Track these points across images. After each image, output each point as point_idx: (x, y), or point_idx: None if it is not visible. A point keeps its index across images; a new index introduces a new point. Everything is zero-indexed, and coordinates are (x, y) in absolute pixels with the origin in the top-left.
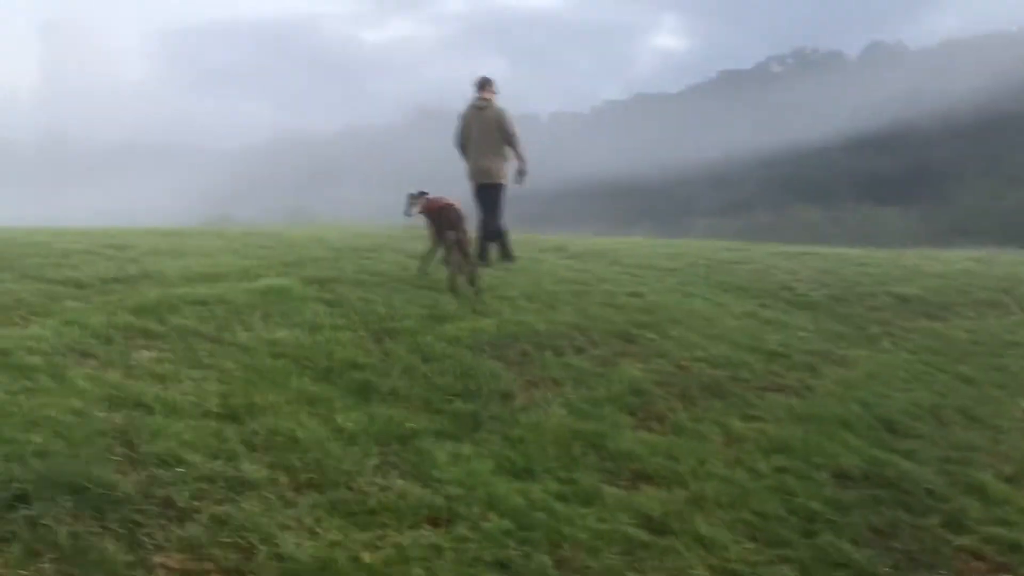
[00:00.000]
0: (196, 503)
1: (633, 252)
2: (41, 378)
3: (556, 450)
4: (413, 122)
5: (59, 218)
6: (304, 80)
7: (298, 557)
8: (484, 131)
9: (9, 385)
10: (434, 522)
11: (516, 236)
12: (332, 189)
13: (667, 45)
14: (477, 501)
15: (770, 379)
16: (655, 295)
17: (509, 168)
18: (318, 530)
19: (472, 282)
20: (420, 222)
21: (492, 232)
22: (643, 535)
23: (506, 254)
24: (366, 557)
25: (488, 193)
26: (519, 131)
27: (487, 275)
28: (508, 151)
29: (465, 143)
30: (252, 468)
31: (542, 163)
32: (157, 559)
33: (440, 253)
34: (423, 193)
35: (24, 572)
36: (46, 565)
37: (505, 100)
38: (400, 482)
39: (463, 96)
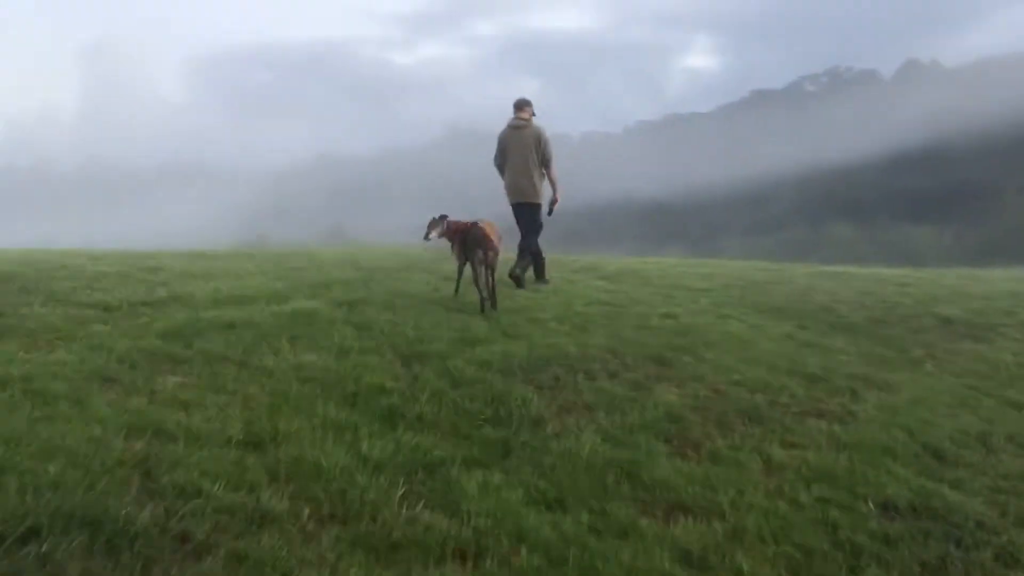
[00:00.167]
0: (214, 537)
1: (666, 272)
2: (62, 405)
3: (589, 480)
4: (446, 142)
5: (98, 240)
6: (339, 103)
7: None
8: (521, 151)
9: (29, 412)
10: (461, 556)
11: (547, 256)
12: (368, 209)
13: (699, 65)
14: (506, 534)
15: (810, 404)
16: (689, 317)
17: (547, 188)
18: (340, 566)
19: (493, 302)
20: (445, 244)
21: (525, 250)
22: (681, 572)
23: (539, 275)
24: None
25: (524, 212)
26: (555, 154)
27: (521, 296)
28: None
29: (503, 163)
30: (274, 499)
31: (574, 183)
32: None
33: (469, 273)
34: (443, 217)
35: None
36: None
37: (538, 119)
38: (426, 513)
39: (496, 116)
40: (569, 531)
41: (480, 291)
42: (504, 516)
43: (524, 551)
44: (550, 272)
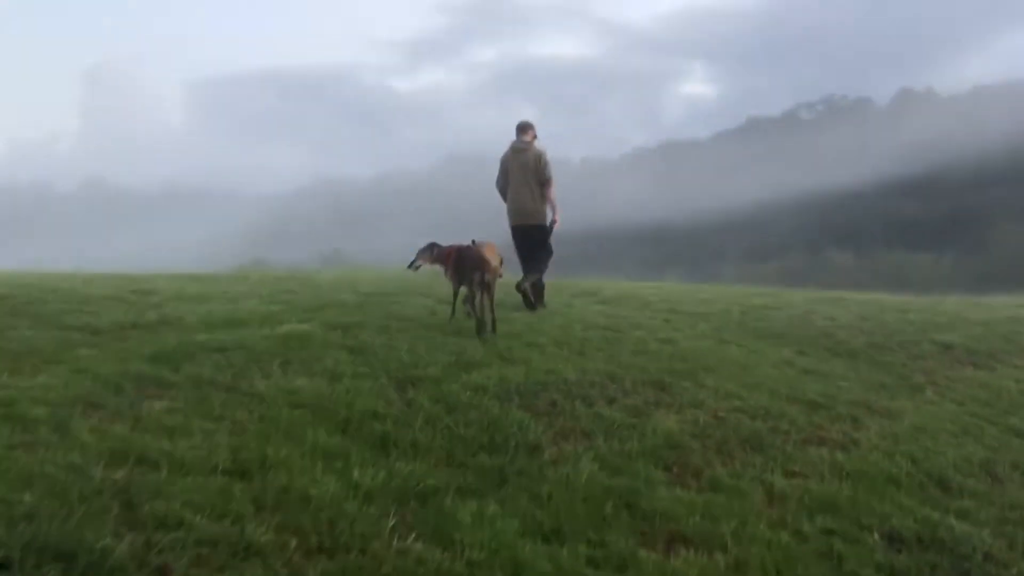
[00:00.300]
0: (194, 571)
1: (665, 297)
2: (42, 431)
3: (587, 509)
4: (445, 167)
5: (97, 262)
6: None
7: None
8: (523, 173)
9: (8, 438)
10: None
11: (546, 280)
12: (367, 233)
13: (696, 92)
14: (501, 567)
15: (811, 431)
16: (688, 342)
17: (549, 211)
18: None
19: (492, 325)
20: (439, 269)
21: (537, 264)
22: None
23: (537, 300)
24: None
25: (532, 234)
26: (555, 176)
27: (518, 320)
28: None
29: (505, 185)
30: (259, 531)
31: (572, 208)
32: None
33: (464, 294)
34: (431, 245)
35: None
36: None
37: (541, 142)
38: (419, 545)
39: (494, 142)
40: (566, 564)
41: (475, 313)
42: (499, 548)
43: None
44: (549, 296)
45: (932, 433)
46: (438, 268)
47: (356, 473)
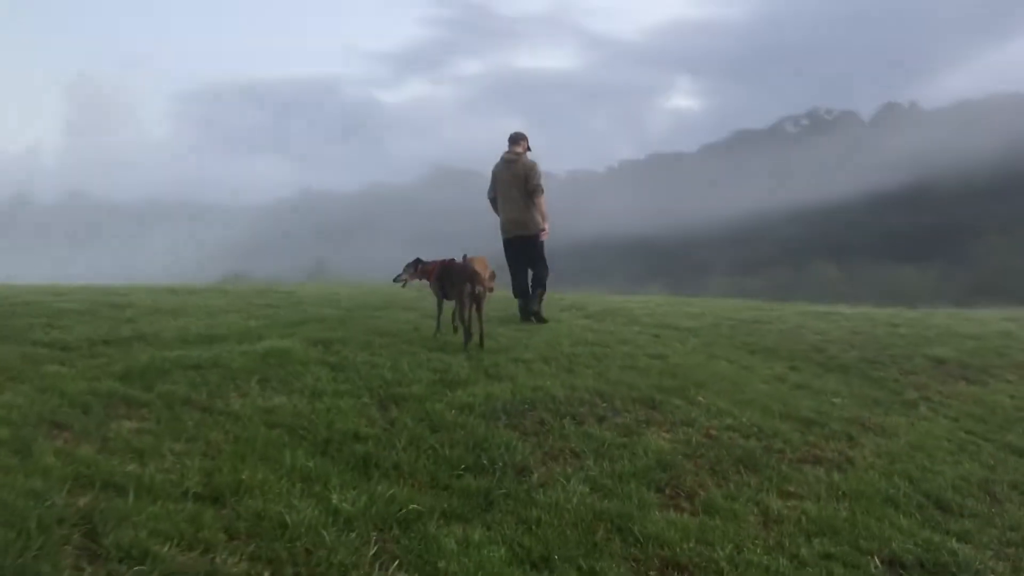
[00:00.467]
0: None
1: (653, 311)
2: (3, 453)
3: (577, 535)
4: (431, 180)
5: (78, 275)
6: (324, 140)
7: None
8: (514, 184)
9: None
10: None
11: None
12: (352, 245)
13: (682, 106)
14: None
15: (806, 450)
16: (678, 357)
17: (540, 220)
18: None
19: (480, 340)
20: (425, 284)
21: (540, 280)
22: None
23: (524, 311)
24: None
25: (525, 245)
26: (544, 185)
27: (504, 336)
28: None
29: (495, 197)
30: (231, 561)
31: (558, 220)
32: None
33: (448, 307)
34: (416, 261)
35: None
36: None
37: (533, 154)
38: (401, 574)
39: (480, 155)
40: None
41: (464, 326)
42: None
43: None
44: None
45: (928, 451)
46: (424, 283)
47: (335, 497)
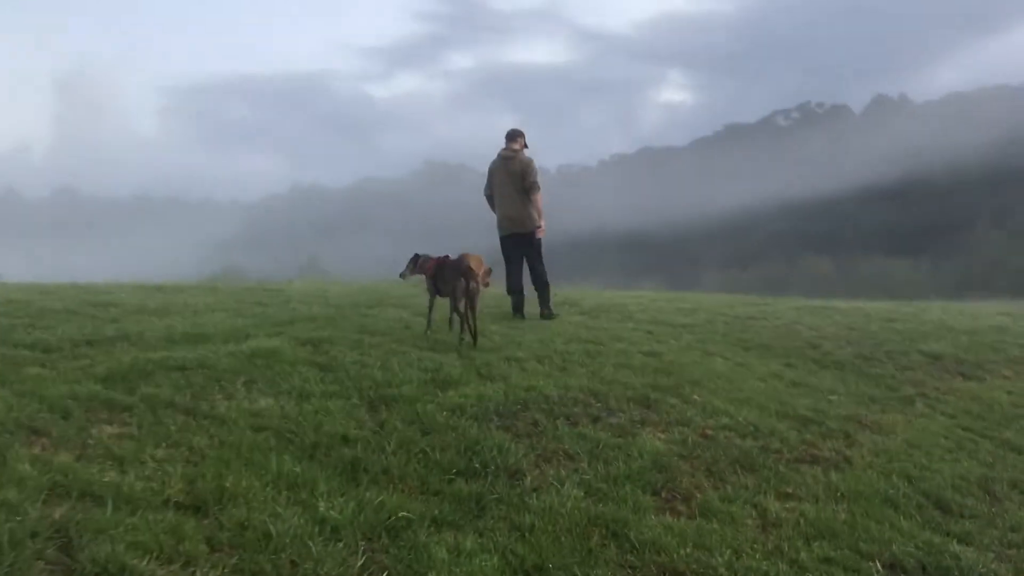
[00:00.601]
0: None
1: (646, 307)
2: None
3: (571, 541)
4: (422, 175)
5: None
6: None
7: None
8: (510, 181)
9: None
10: None
11: (528, 295)
12: (344, 241)
13: (673, 100)
14: None
15: (803, 449)
16: (673, 354)
17: (537, 216)
18: None
19: (472, 338)
20: (422, 280)
21: (541, 280)
22: None
23: (517, 310)
24: None
25: (522, 243)
26: (539, 182)
27: (496, 334)
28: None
29: (492, 193)
30: (212, 574)
31: (549, 215)
32: None
33: (439, 303)
34: (416, 255)
35: None
36: None
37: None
38: None
39: (471, 150)
40: None
41: (461, 321)
42: None
43: None
44: (529, 308)
45: (926, 449)
46: (422, 277)
47: (322, 505)
